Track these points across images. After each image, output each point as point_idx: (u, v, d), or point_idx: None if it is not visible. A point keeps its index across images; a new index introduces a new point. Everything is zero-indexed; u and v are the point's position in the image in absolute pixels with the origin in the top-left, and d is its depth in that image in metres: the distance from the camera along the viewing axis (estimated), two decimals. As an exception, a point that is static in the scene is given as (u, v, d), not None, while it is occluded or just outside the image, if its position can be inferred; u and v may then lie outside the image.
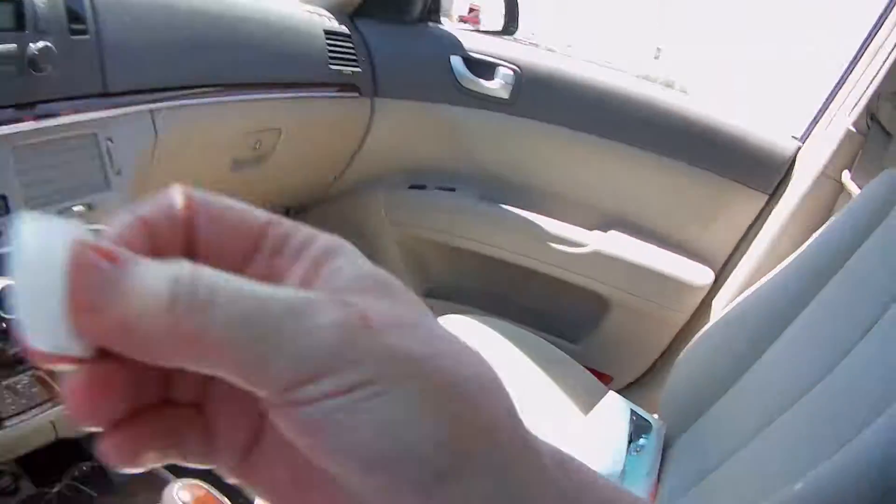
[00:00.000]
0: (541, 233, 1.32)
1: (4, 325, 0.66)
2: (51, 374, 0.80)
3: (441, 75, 1.36)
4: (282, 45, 1.10)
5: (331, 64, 1.21)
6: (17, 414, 0.78)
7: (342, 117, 1.30)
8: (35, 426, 0.80)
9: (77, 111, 0.75)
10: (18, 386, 0.78)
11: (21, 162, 0.72)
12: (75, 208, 0.76)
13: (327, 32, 1.22)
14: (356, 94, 1.28)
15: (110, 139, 0.79)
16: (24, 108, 0.71)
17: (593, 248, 1.31)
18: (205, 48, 0.89)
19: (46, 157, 0.74)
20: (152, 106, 0.82)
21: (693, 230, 1.33)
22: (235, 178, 1.06)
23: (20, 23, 0.71)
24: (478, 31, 1.52)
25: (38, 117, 0.71)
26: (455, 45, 1.38)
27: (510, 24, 1.46)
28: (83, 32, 0.75)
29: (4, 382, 0.76)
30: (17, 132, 0.70)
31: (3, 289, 0.63)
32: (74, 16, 0.75)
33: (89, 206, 0.77)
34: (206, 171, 0.98)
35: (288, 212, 1.55)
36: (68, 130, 0.75)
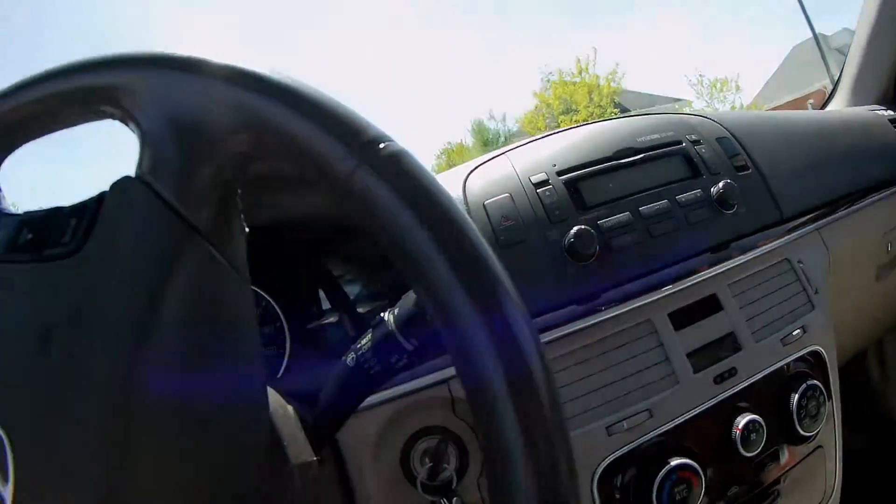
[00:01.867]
0: None
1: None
2: None
3: None
4: (877, 144, 1.05)
5: None
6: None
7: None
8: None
9: (768, 240, 0.72)
10: None
11: (739, 298, 0.69)
12: (794, 332, 0.70)
13: (892, 122, 1.16)
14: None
15: (800, 261, 0.74)
16: (722, 247, 0.70)
17: None
18: (834, 158, 0.85)
19: (757, 289, 0.71)
20: (818, 224, 0.77)
21: None
22: (877, 289, 0.95)
23: (695, 170, 0.73)
24: None
25: (740, 253, 0.70)
26: None
27: None
28: (745, 168, 0.75)
29: None
30: (726, 270, 0.69)
31: None
32: (732, 155, 0.75)
33: (804, 329, 0.70)
34: (855, 283, 0.89)
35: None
36: (765, 261, 0.72)
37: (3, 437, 0.31)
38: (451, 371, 0.61)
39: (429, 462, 0.63)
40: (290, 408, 0.46)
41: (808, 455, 0.72)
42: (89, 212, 0.32)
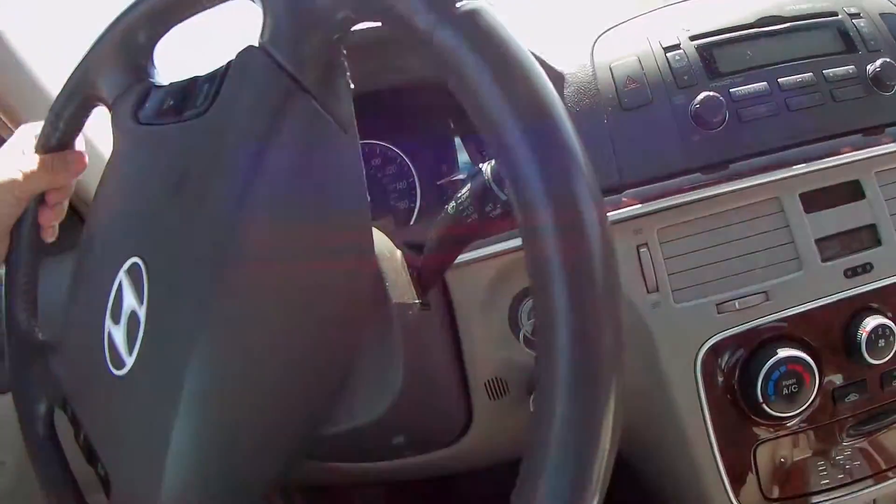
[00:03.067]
0: None
1: None
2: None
3: None
4: None
5: None
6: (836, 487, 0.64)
7: None
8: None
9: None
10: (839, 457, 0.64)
11: (887, 189, 0.62)
12: None
13: None
14: None
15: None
16: (873, 131, 0.63)
17: None
18: None
19: (909, 180, 0.63)
20: None
21: None
22: None
23: (849, 45, 0.65)
24: None
25: (894, 140, 0.62)
26: None
27: None
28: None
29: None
30: (877, 155, 0.62)
31: None
32: None
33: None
34: None
35: None
36: None
37: (142, 265, 0.37)
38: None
39: (533, 319, 0.63)
40: (398, 252, 0.48)
41: None
42: (219, 77, 0.37)
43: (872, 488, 0.65)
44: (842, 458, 0.64)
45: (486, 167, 0.42)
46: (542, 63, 0.65)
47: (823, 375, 0.60)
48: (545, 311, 0.24)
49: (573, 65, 0.65)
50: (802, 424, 0.62)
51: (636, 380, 0.62)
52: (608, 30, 0.68)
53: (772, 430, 0.62)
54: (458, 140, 0.74)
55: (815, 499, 0.64)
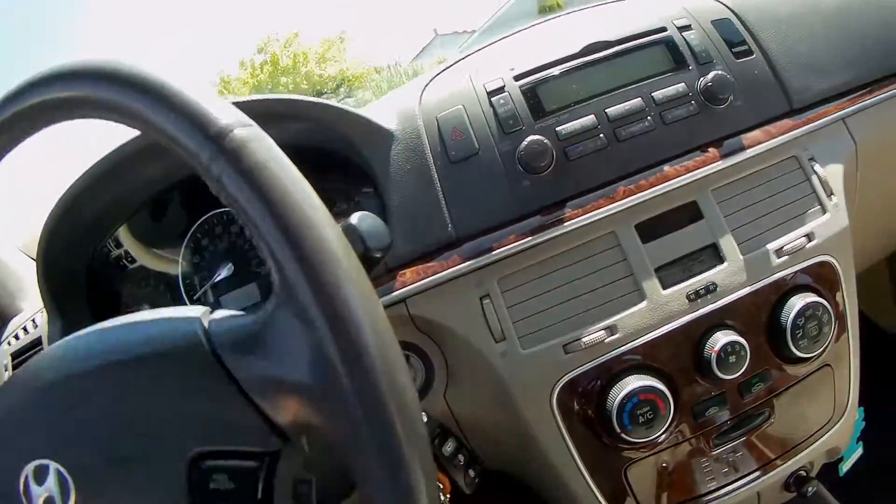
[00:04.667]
0: None
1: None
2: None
3: None
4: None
5: None
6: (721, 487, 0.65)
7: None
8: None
9: (770, 136, 0.61)
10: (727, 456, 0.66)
11: (726, 204, 0.61)
12: (796, 241, 0.61)
13: None
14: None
15: (813, 158, 0.63)
16: (710, 146, 0.62)
17: None
18: (861, 39, 0.70)
19: (750, 193, 0.62)
20: (841, 113, 0.65)
21: None
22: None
23: (679, 61, 0.63)
24: None
25: (728, 154, 0.61)
26: None
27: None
28: (748, 54, 0.64)
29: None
30: (711, 174, 0.61)
31: None
32: (731, 41, 0.65)
33: (809, 238, 0.61)
34: (885, 180, 0.77)
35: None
36: (765, 160, 0.62)
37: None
38: (406, 291, 0.60)
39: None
40: None
41: (811, 374, 0.64)
42: None
43: (757, 481, 0.66)
44: (727, 456, 0.65)
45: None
46: (371, 124, 0.64)
47: (679, 397, 0.61)
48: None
49: (401, 120, 0.63)
50: (669, 441, 0.63)
51: (502, 424, 0.63)
52: (435, 76, 0.66)
53: (639, 451, 0.63)
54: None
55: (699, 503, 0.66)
